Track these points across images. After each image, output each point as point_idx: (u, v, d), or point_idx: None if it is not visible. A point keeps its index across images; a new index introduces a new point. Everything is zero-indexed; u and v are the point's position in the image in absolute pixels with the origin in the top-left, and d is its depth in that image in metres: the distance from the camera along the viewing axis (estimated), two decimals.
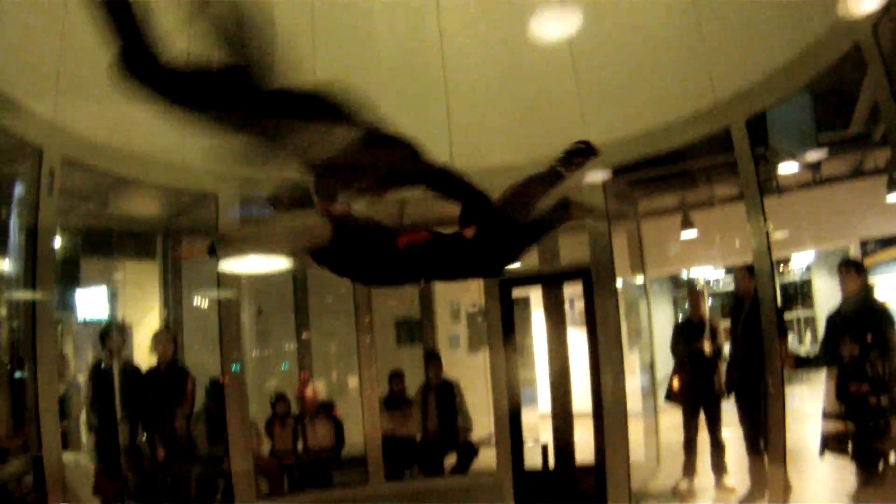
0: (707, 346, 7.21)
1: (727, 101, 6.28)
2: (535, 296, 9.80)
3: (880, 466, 5.76)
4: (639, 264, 8.39)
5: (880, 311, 6.24)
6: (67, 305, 7.72)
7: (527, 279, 8.11)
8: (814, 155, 7.99)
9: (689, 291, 8.74)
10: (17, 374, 6.01)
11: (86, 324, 8.09)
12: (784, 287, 11.51)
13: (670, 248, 9.50)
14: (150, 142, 6.41)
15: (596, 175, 6.98)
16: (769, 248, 6.20)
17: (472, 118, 7.36)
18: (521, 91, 7.22)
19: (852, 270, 6.36)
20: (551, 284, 8.00)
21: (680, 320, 9.67)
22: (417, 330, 9.65)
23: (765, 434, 6.32)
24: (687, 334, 7.42)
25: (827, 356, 6.31)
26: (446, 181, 3.49)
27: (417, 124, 7.35)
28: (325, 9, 7.09)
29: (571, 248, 7.55)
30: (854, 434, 5.90)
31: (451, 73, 7.25)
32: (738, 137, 6.18)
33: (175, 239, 8.07)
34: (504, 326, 7.65)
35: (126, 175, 6.68)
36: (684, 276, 12.24)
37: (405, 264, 3.34)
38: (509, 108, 7.37)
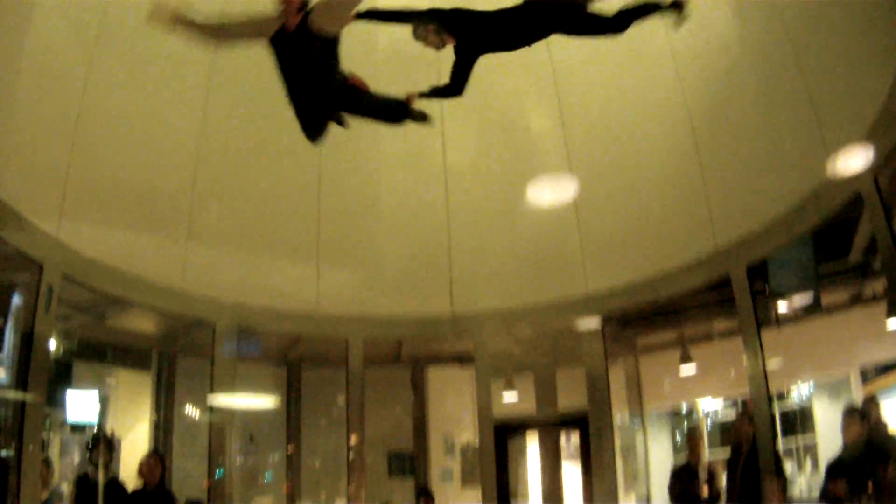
0: (705, 490, 7.08)
1: (728, 248, 6.36)
2: (532, 431, 9.68)
3: None
4: (637, 401, 8.33)
5: (878, 447, 6.15)
6: (57, 407, 7.63)
7: (524, 425, 8.09)
8: (812, 293, 8.00)
9: (688, 436, 8.63)
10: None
11: (73, 428, 7.97)
12: (784, 414, 11.35)
13: (669, 382, 9.42)
14: (151, 266, 6.50)
15: (595, 321, 7.04)
16: (767, 389, 6.18)
17: (473, 263, 7.52)
18: (522, 237, 7.37)
19: (856, 418, 6.28)
20: (548, 430, 7.97)
21: (678, 463, 9.52)
22: (409, 463, 9.48)
23: None
24: (685, 478, 7.28)
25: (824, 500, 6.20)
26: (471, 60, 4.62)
27: (418, 266, 7.47)
28: (332, 164, 7.36)
29: (569, 390, 7.53)
30: None
31: (454, 218, 7.39)
32: (737, 283, 6.23)
33: (171, 357, 8.07)
34: (498, 463, 7.54)
35: (124, 296, 6.72)
36: (683, 407, 12.09)
37: (340, 92, 4.36)
38: (510, 253, 7.52)
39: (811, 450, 11.57)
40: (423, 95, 4.68)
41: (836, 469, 6.23)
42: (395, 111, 4.68)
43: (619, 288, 7.07)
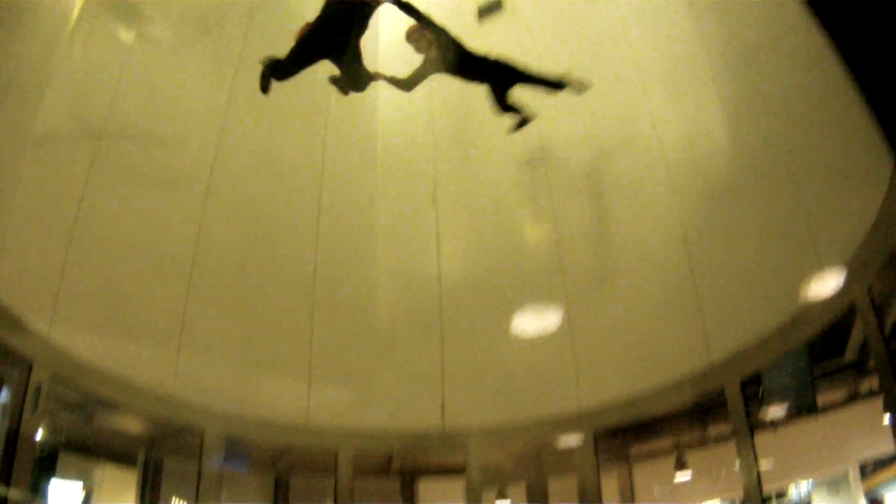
0: None
1: (722, 363, 6.33)
2: None
3: None
4: None
5: None
6: (39, 495, 7.45)
7: None
8: (808, 397, 7.94)
9: None
10: None
11: None
12: None
13: (664, 489, 9.23)
14: (142, 371, 6.45)
15: (587, 436, 6.96)
16: (761, 495, 6.10)
17: (465, 377, 7.54)
18: (515, 351, 7.34)
19: None
20: None
21: None
22: None
23: None
24: None
25: None
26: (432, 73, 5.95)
27: (410, 380, 7.42)
28: (326, 277, 7.41)
29: (562, 500, 7.39)
30: None
31: (447, 331, 7.39)
32: (731, 396, 6.19)
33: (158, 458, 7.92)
34: None
35: (113, 399, 6.65)
36: None
37: (351, 46, 5.45)
38: (503, 368, 7.52)
39: None
40: (385, 78, 5.87)
41: None
42: (364, 80, 5.79)
43: (612, 403, 7.01)
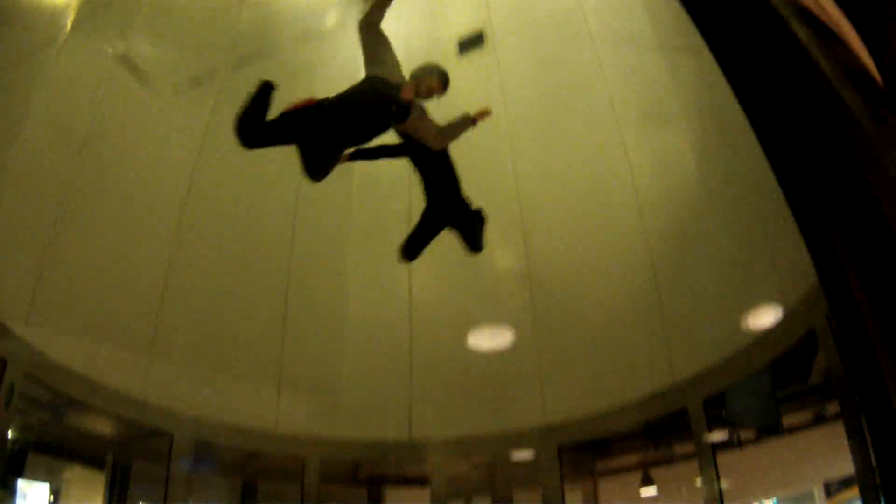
0: None
1: (685, 382, 6.45)
2: None
3: None
4: None
5: None
6: (5, 493, 7.43)
7: None
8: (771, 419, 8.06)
9: None
10: None
11: None
12: None
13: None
14: (113, 374, 6.49)
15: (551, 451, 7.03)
16: None
17: (433, 392, 7.60)
18: (482, 368, 7.43)
19: None
20: None
21: None
22: None
23: None
24: None
25: None
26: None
27: (379, 392, 7.48)
28: (299, 291, 7.43)
29: None
30: None
31: (416, 347, 7.46)
32: (694, 415, 6.30)
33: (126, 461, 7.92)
34: None
35: (84, 401, 6.69)
36: None
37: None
38: (470, 383, 7.60)
39: None
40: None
41: None
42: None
43: (577, 419, 7.11)
